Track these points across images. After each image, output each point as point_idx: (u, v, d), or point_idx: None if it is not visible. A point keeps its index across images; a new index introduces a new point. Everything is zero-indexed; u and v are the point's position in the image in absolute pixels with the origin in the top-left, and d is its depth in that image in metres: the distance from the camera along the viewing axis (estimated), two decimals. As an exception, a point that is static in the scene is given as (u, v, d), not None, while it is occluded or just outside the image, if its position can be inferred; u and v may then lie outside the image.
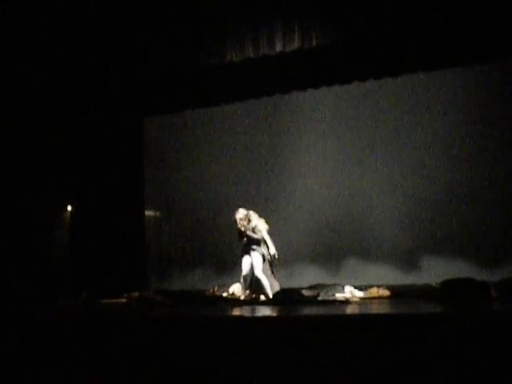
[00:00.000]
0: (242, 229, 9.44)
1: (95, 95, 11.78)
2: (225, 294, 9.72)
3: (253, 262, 9.26)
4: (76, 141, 12.83)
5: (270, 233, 9.48)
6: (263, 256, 9.24)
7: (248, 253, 9.35)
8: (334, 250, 11.20)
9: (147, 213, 13.08)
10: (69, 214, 13.09)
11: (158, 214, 13.12)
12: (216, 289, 10.34)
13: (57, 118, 12.20)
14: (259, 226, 9.36)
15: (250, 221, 9.44)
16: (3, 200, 11.43)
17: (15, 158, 11.74)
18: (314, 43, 9.73)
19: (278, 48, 9.88)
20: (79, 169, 12.94)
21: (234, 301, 9.19)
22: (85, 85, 11.49)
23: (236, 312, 7.69)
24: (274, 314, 7.11)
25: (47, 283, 11.40)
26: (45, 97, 11.74)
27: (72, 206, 13.09)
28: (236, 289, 9.85)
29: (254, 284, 9.32)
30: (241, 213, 9.53)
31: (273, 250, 9.25)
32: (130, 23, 10.81)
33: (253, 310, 7.82)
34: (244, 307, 8.33)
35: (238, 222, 9.47)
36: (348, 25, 9.50)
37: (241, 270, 9.47)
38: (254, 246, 9.29)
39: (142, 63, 10.89)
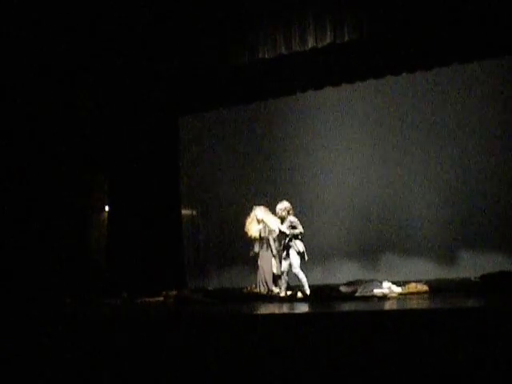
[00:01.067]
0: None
1: (132, 96, 11.88)
2: (262, 292, 9.71)
3: (290, 258, 9.21)
4: (113, 141, 12.98)
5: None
6: (299, 252, 9.20)
7: (287, 248, 9.30)
8: (371, 246, 11.14)
9: (184, 211, 13.15)
10: (106, 214, 13.24)
11: (194, 212, 13.18)
12: (254, 286, 10.33)
13: (93, 119, 12.35)
14: (295, 221, 9.29)
15: (289, 214, 9.40)
16: (43, 203, 11.59)
17: (55, 160, 11.90)
18: (346, 38, 9.66)
19: (310, 44, 9.84)
20: (116, 169, 13.08)
21: (271, 298, 9.17)
22: (121, 85, 11.61)
23: (274, 309, 7.69)
24: (312, 311, 7.09)
25: (88, 284, 11.55)
26: (84, 102, 11.91)
27: (109, 206, 13.23)
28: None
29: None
30: (283, 204, 9.48)
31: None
32: (164, 25, 10.87)
33: (291, 307, 7.81)
34: (282, 304, 8.32)
35: (278, 212, 9.45)
36: (380, 18, 9.39)
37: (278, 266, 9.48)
38: (291, 242, 9.25)
39: (176, 63, 10.95)
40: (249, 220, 9.98)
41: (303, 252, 9.15)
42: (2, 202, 11.06)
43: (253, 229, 9.88)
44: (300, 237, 9.19)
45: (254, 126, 12.44)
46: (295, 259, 9.14)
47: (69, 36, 11.27)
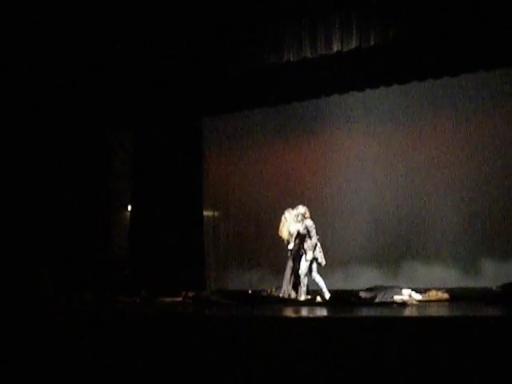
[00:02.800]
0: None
1: (157, 98, 11.94)
2: (281, 295, 9.69)
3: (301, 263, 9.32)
4: (136, 142, 13.08)
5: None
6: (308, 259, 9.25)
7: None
8: (392, 252, 11.05)
9: (206, 213, 13.17)
10: (128, 213, 13.32)
11: (216, 214, 13.19)
12: (274, 290, 10.33)
13: (117, 122, 12.49)
14: (311, 226, 9.31)
15: (305, 218, 9.42)
16: (66, 201, 11.69)
17: (78, 159, 12.01)
18: (371, 42, 9.62)
19: (336, 48, 9.81)
20: (140, 169, 13.17)
21: (290, 302, 9.16)
22: (144, 86, 11.68)
23: (292, 313, 7.68)
24: (330, 316, 7.06)
25: (108, 282, 11.63)
26: (106, 105, 12.02)
27: (132, 206, 13.31)
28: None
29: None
30: (298, 210, 9.52)
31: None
32: (190, 26, 10.90)
33: (309, 311, 7.80)
34: (301, 308, 8.30)
35: (293, 219, 9.52)
36: (407, 23, 9.34)
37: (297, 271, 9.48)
38: (302, 248, 9.35)
39: (201, 65, 10.98)
40: (281, 223, 9.92)
41: (315, 258, 9.19)
42: (26, 198, 11.17)
43: (283, 231, 9.86)
44: (311, 245, 9.22)
45: (276, 129, 12.42)
46: (303, 265, 9.22)
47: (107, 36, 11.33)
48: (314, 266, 9.26)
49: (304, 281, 9.27)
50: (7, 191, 10.89)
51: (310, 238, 9.26)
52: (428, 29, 9.36)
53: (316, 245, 9.29)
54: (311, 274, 9.25)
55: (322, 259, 9.26)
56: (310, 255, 9.19)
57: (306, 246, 9.28)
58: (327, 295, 9.00)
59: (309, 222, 9.34)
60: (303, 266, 9.25)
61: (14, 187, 11.03)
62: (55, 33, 10.80)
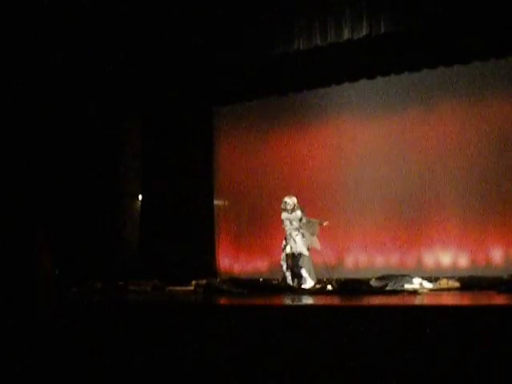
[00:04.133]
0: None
1: (165, 86, 11.94)
2: (292, 284, 9.71)
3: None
4: (147, 131, 13.10)
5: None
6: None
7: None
8: (403, 241, 11.04)
9: (216, 201, 13.18)
10: (139, 203, 13.36)
11: (226, 202, 13.20)
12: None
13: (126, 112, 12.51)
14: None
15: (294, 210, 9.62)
16: (77, 191, 11.73)
17: (88, 149, 12.05)
18: (382, 30, 9.56)
19: (346, 35, 9.77)
20: (150, 158, 13.20)
21: (301, 290, 9.17)
22: (154, 75, 11.67)
23: (302, 301, 7.69)
24: (341, 304, 7.06)
25: (119, 270, 11.68)
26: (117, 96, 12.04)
27: (143, 194, 13.35)
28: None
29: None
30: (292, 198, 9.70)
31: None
32: (199, 14, 10.87)
33: (320, 300, 7.80)
34: (311, 297, 8.31)
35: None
36: (417, 10, 9.28)
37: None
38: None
39: (211, 53, 10.96)
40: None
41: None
42: (37, 188, 11.21)
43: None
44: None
45: (287, 118, 12.39)
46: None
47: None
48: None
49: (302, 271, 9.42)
50: (18, 181, 10.94)
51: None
52: (439, 15, 9.30)
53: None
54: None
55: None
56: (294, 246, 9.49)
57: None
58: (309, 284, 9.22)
59: (298, 213, 9.55)
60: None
61: (25, 177, 11.06)
62: (65, 23, 10.81)
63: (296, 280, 9.42)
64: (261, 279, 11.28)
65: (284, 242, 9.64)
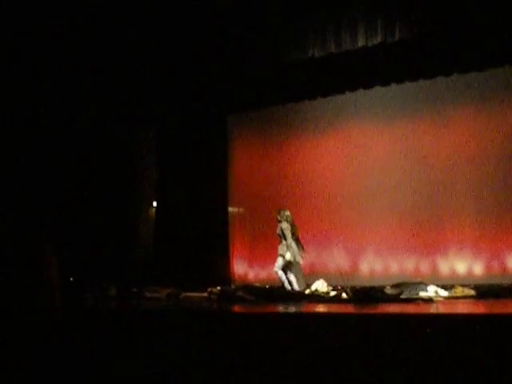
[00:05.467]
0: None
1: (180, 95, 11.98)
2: (307, 291, 9.69)
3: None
4: (161, 137, 13.15)
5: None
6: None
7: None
8: (419, 249, 11.00)
9: (231, 209, 13.20)
10: (154, 210, 13.41)
11: (241, 209, 13.21)
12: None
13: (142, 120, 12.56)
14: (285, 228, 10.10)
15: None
16: (92, 198, 11.79)
17: (106, 158, 12.11)
18: (396, 37, 9.55)
19: (361, 43, 9.77)
20: (165, 166, 13.24)
21: (315, 297, 9.15)
22: (169, 84, 11.72)
23: (316, 309, 7.67)
24: (356, 312, 7.04)
25: (133, 277, 11.70)
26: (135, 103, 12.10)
27: (157, 202, 13.39)
28: (320, 285, 9.82)
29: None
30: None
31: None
32: (213, 22, 10.90)
33: (335, 308, 7.77)
34: (325, 304, 8.28)
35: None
36: (432, 17, 9.26)
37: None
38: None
39: (225, 60, 10.99)
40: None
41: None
42: (55, 195, 11.28)
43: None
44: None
45: (301, 125, 12.40)
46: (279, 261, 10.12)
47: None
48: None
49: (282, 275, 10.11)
50: (36, 188, 11.02)
51: (285, 239, 10.05)
52: (453, 23, 9.27)
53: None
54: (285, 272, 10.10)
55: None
56: (287, 256, 9.98)
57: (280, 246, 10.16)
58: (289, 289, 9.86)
59: (284, 225, 10.10)
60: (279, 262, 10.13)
61: (42, 184, 11.15)
62: (84, 30, 10.89)
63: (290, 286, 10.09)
64: (276, 286, 11.26)
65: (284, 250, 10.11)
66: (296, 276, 10.08)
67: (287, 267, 10.09)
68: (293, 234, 10.08)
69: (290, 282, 10.07)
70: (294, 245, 10.05)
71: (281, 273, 10.10)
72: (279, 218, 10.22)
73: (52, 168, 11.17)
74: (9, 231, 2.84)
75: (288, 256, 9.98)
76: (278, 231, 10.17)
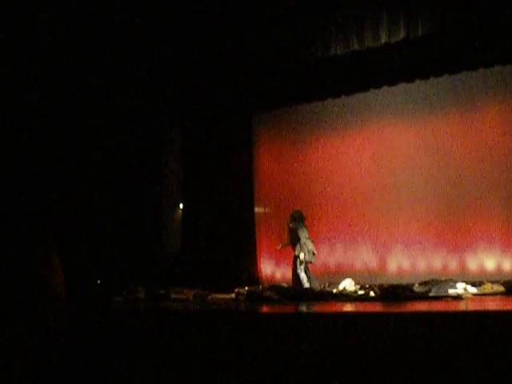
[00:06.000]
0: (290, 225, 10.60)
1: (204, 95, 12.00)
2: (335, 291, 9.67)
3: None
4: (187, 139, 13.20)
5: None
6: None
7: None
8: (447, 246, 10.92)
9: (257, 209, 13.21)
10: (180, 211, 13.46)
11: (267, 210, 13.21)
12: (327, 285, 10.33)
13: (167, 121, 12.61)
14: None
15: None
16: (120, 200, 11.87)
17: (132, 160, 12.19)
18: (420, 33, 9.46)
19: (383, 39, 9.69)
20: (190, 167, 13.29)
21: (342, 296, 9.13)
22: (194, 84, 11.74)
23: (345, 308, 7.65)
24: (383, 310, 7.01)
25: (161, 278, 11.76)
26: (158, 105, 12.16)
27: (183, 203, 13.45)
28: (347, 284, 9.81)
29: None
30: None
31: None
32: (236, 21, 10.90)
33: (363, 306, 7.75)
34: (353, 303, 8.27)
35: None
36: (456, 11, 9.14)
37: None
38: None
39: (250, 60, 10.98)
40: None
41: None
42: (81, 196, 11.37)
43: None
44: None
45: (326, 124, 12.37)
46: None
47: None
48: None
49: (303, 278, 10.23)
50: (61, 187, 11.11)
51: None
52: (478, 16, 9.15)
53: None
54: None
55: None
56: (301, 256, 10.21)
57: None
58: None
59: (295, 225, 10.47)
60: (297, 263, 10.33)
61: (68, 185, 11.24)
62: (107, 32, 10.96)
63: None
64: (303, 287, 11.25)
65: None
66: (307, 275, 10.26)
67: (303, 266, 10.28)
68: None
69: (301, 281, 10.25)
70: (308, 244, 10.27)
71: (303, 275, 10.22)
72: (291, 219, 10.54)
73: (76, 170, 11.26)
74: (10, 234, 2.85)
75: (302, 256, 10.17)
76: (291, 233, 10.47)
